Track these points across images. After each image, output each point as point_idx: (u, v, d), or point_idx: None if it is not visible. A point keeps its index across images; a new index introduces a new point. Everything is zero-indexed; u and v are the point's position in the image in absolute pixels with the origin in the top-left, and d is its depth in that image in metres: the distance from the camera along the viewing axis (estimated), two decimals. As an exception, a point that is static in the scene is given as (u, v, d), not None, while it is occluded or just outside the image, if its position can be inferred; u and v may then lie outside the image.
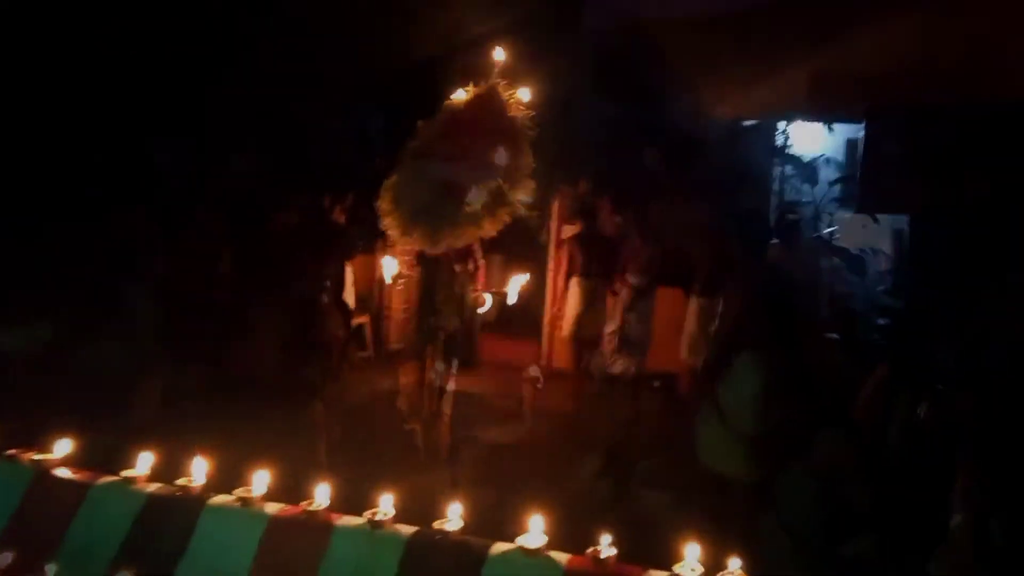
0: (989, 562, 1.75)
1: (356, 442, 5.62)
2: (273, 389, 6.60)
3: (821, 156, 11.98)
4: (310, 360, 7.34)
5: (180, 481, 2.48)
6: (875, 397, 3.62)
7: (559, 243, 8.55)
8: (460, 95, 6.44)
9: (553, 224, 8.65)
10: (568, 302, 7.67)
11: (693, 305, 6.16)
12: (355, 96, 10.01)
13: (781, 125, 12.34)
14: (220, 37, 8.84)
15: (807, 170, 11.52)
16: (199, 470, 2.52)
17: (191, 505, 2.42)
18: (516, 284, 7.22)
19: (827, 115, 11.47)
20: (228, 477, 2.62)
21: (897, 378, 3.16)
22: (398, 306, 9.00)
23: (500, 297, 7.07)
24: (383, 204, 6.04)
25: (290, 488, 2.56)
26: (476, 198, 5.85)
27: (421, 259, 6.93)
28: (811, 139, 12.42)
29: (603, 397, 6.83)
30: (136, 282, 6.55)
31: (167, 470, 2.63)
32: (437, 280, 6.79)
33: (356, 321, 8.20)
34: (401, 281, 7.93)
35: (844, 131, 12.73)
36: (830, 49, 6.84)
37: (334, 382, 7.47)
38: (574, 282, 7.70)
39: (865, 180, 8.61)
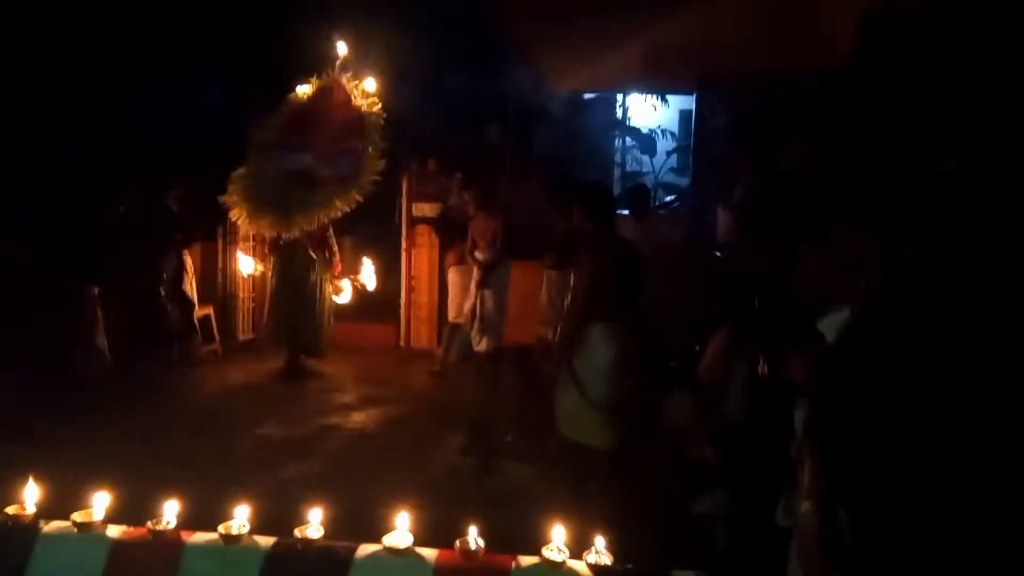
0: (836, 554, 1.87)
1: (203, 447, 5.32)
2: (108, 391, 6.18)
3: (658, 127, 12.55)
4: (148, 356, 6.95)
5: (9, 509, 2.24)
6: (718, 357, 3.79)
7: (410, 222, 8.46)
8: (304, 88, 6.79)
9: (403, 202, 8.53)
10: (450, 286, 7.59)
11: (546, 278, 6.28)
12: (191, 78, 9.55)
13: (619, 98, 12.79)
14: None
15: (646, 141, 12.03)
16: (30, 494, 2.28)
17: (22, 535, 2.19)
18: (369, 269, 7.23)
19: (661, 87, 12.00)
20: (64, 499, 2.41)
21: (739, 337, 3.33)
22: (245, 295, 8.65)
23: (358, 284, 7.09)
24: (232, 195, 6.26)
25: (134, 505, 2.38)
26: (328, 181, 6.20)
27: (275, 248, 7.12)
28: (647, 111, 12.97)
29: (463, 375, 6.86)
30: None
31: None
32: (293, 267, 7.01)
33: (199, 312, 7.78)
34: (258, 273, 7.84)
35: (677, 102, 13.40)
36: (662, 23, 7.08)
37: (177, 378, 7.11)
38: (448, 265, 7.64)
39: (698, 149, 9.07)
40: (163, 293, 7.22)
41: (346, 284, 7.34)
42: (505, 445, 5.54)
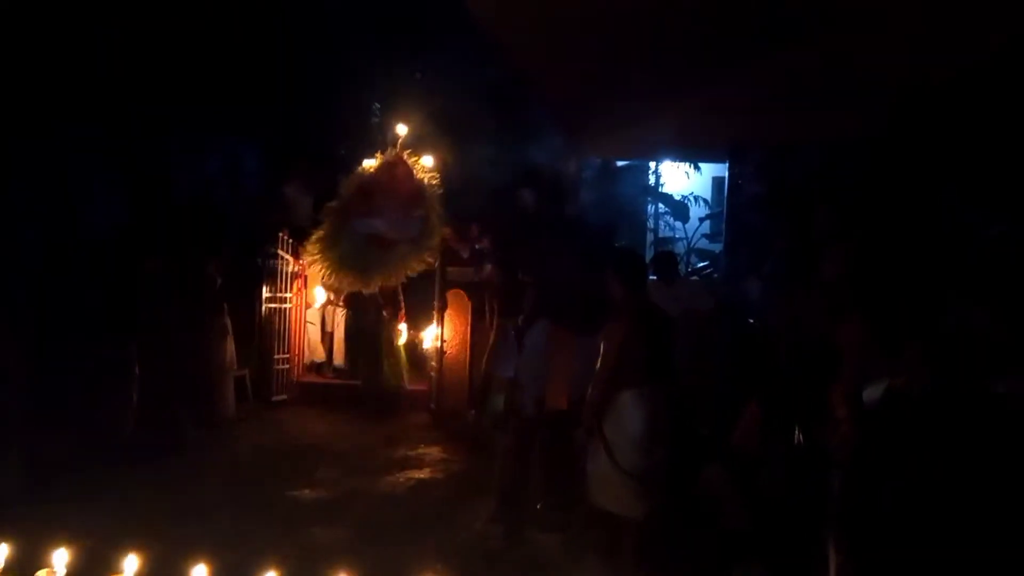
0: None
1: (232, 508, 5.34)
2: (141, 448, 6.25)
3: (691, 194, 12.66)
4: (184, 416, 7.06)
5: (39, 574, 2.25)
6: (753, 427, 3.76)
7: (444, 286, 8.55)
8: (370, 162, 7.64)
9: (439, 267, 8.65)
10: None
11: (578, 343, 6.27)
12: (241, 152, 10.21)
13: (652, 165, 12.96)
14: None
15: (678, 207, 12.12)
16: (59, 559, 2.30)
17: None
18: (431, 332, 8.29)
19: (694, 157, 12.15)
20: (98, 563, 2.43)
21: (773, 408, 3.31)
22: (280, 356, 8.78)
23: (417, 339, 8.73)
24: (311, 252, 7.19)
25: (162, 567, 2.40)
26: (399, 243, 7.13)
27: (351, 301, 8.49)
28: (680, 178, 13.11)
29: (495, 438, 6.82)
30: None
31: (27, 560, 2.39)
32: (367, 318, 8.37)
33: (237, 373, 7.95)
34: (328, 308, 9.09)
35: (711, 169, 13.52)
36: (694, 93, 7.19)
37: (212, 438, 7.18)
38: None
39: (731, 216, 9.10)
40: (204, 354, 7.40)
41: (403, 327, 8.78)
42: (535, 513, 5.46)
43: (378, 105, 12.32)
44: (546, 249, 8.03)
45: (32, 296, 6.47)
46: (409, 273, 7.28)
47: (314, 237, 7.25)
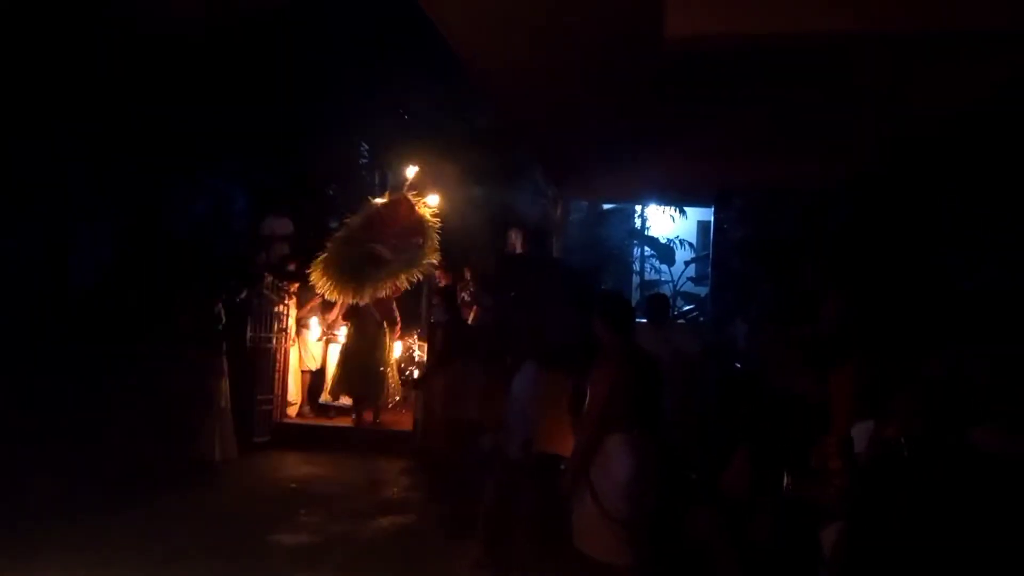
0: None
1: (213, 552, 5.24)
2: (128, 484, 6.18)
3: (676, 237, 12.78)
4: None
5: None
6: (741, 473, 3.74)
7: (431, 326, 8.51)
8: (380, 200, 8.79)
9: (424, 307, 8.68)
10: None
11: (566, 386, 6.25)
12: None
13: (638, 209, 13.09)
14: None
15: (664, 251, 12.22)
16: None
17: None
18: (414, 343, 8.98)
19: (679, 201, 12.28)
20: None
21: (761, 454, 3.29)
22: (263, 397, 8.70)
23: (412, 347, 9.39)
24: (315, 274, 8.14)
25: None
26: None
27: (351, 315, 8.80)
28: (666, 222, 13.23)
29: (481, 481, 6.74)
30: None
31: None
32: (366, 330, 8.72)
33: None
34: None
35: (696, 213, 13.67)
36: (679, 140, 7.29)
37: (194, 478, 7.08)
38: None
39: (717, 260, 9.16)
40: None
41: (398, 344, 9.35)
42: (520, 559, 5.37)
43: (366, 147, 12.44)
44: (533, 290, 8.08)
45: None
46: (400, 285, 8.22)
47: (316, 261, 8.15)
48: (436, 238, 8.35)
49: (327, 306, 9.10)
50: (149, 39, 8.29)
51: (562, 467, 4.58)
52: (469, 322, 8.36)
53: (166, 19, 7.93)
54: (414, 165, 8.73)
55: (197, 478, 6.92)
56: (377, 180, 12.68)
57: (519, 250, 9.85)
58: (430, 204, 8.63)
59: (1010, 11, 3.74)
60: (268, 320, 8.72)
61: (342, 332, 9.11)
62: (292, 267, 9.24)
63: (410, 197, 8.59)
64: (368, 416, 8.90)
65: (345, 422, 8.90)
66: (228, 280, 8.04)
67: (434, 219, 8.48)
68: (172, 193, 10.13)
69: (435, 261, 8.35)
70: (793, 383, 3.39)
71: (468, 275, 8.88)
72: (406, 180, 8.71)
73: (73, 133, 8.58)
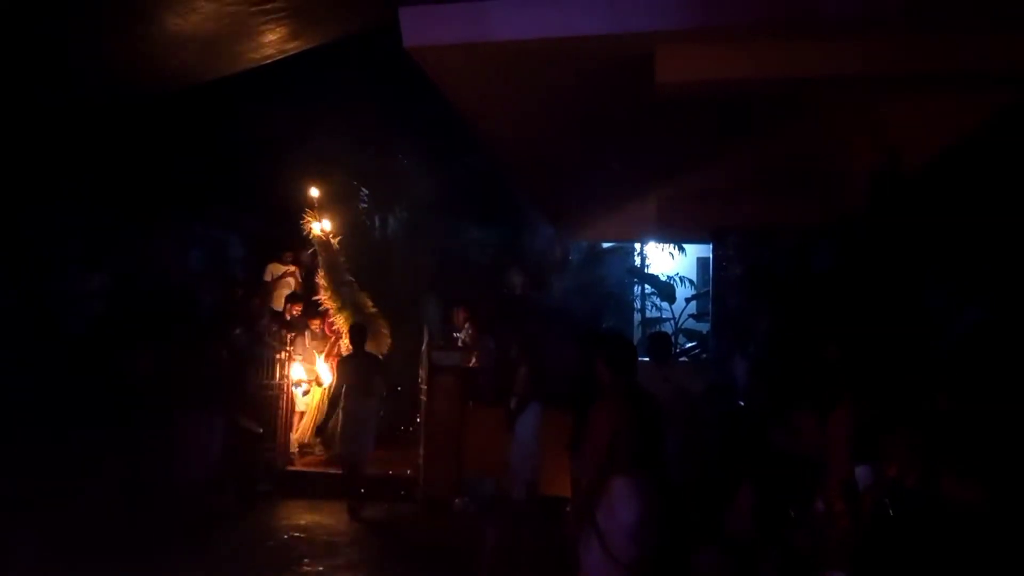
0: None
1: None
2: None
3: (676, 274, 12.84)
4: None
5: None
6: (746, 513, 3.74)
7: (431, 371, 8.51)
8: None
9: (425, 351, 8.66)
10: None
11: (568, 426, 6.26)
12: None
13: (637, 247, 13.19)
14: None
15: (664, 288, 12.26)
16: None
17: None
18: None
19: (677, 238, 12.38)
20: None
21: (762, 496, 3.30)
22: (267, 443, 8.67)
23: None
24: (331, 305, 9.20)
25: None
26: None
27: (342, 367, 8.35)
28: (665, 259, 13.32)
29: (485, 523, 6.72)
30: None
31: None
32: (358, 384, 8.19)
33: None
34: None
35: (695, 250, 13.76)
36: (675, 178, 7.40)
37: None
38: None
39: (717, 297, 9.20)
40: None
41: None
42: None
43: (366, 192, 12.58)
44: (535, 332, 8.12)
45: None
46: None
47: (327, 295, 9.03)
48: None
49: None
50: (143, 97, 8.50)
51: (567, 509, 4.55)
52: (470, 365, 8.40)
53: (155, 80, 8.13)
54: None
55: (201, 529, 6.88)
56: (377, 224, 12.82)
57: (519, 291, 9.96)
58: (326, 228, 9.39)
59: (990, 53, 3.85)
60: (270, 368, 8.74)
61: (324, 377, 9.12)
62: (295, 312, 9.34)
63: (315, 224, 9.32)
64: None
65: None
66: (228, 329, 8.08)
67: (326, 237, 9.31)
68: (168, 243, 10.26)
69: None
70: (793, 426, 3.40)
71: (462, 317, 8.93)
72: (313, 200, 9.43)
73: (72, 185, 8.75)
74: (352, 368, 7.88)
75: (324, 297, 9.30)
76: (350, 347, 8.20)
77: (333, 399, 8.13)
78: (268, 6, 7.09)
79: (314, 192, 9.49)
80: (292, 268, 10.26)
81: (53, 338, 7.87)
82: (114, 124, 8.77)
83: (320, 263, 9.46)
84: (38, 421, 6.47)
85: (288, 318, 9.33)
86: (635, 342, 12.69)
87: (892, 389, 2.40)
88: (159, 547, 6.20)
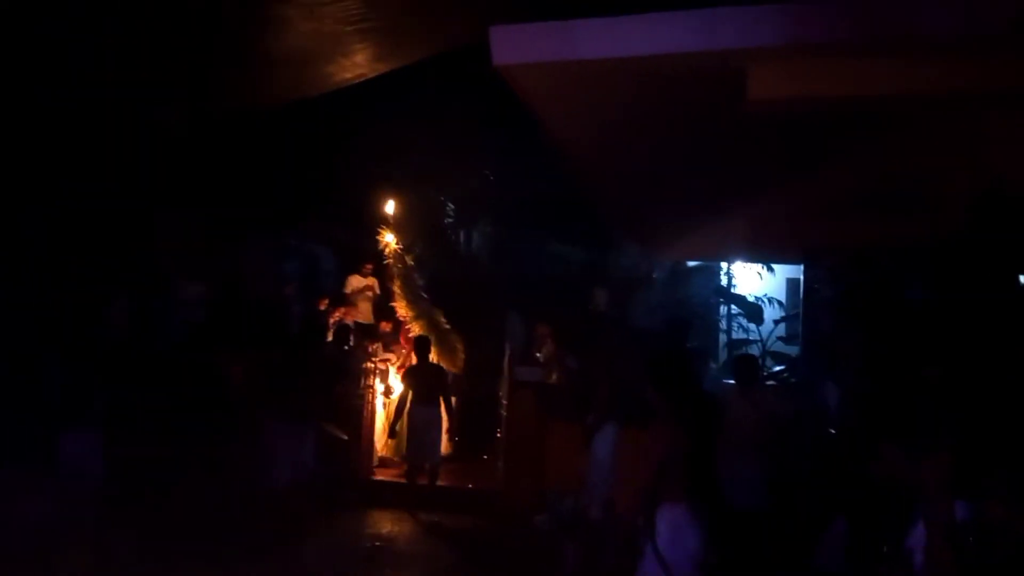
0: None
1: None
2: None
3: (764, 295, 12.48)
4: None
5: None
6: (835, 547, 3.60)
7: (512, 386, 8.54)
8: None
9: (507, 366, 8.70)
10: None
11: (651, 448, 6.17)
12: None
13: (724, 266, 12.90)
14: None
15: (751, 309, 11.92)
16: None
17: None
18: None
19: (766, 259, 12.06)
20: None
21: (855, 530, 3.16)
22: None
23: None
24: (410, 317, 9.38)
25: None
26: None
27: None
28: (753, 279, 12.99)
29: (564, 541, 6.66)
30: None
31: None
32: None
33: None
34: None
35: (784, 271, 13.36)
36: (768, 197, 7.21)
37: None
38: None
39: (807, 320, 8.92)
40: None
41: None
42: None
43: (452, 206, 12.78)
44: (617, 350, 8.04)
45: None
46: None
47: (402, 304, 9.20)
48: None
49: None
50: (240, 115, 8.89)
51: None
52: (551, 381, 8.38)
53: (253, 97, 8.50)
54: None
55: (287, 536, 7.05)
56: (462, 239, 13.01)
57: (602, 309, 9.89)
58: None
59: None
60: (355, 378, 8.93)
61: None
62: (385, 328, 9.57)
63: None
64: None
65: (423, 479, 8.83)
66: (315, 339, 8.30)
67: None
68: (262, 255, 10.67)
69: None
70: (890, 462, 3.22)
71: (544, 333, 8.91)
72: (389, 217, 9.57)
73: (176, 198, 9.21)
74: (417, 378, 8.13)
75: (400, 307, 9.43)
76: (416, 358, 8.39)
77: (399, 407, 8.24)
78: (364, 25, 7.32)
79: (390, 207, 9.65)
80: (371, 280, 10.46)
81: (154, 346, 8.25)
82: (213, 141, 9.20)
83: (395, 274, 9.52)
84: (135, 425, 6.76)
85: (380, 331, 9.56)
86: (720, 364, 12.40)
87: (993, 421, 2.26)
88: (245, 553, 6.38)
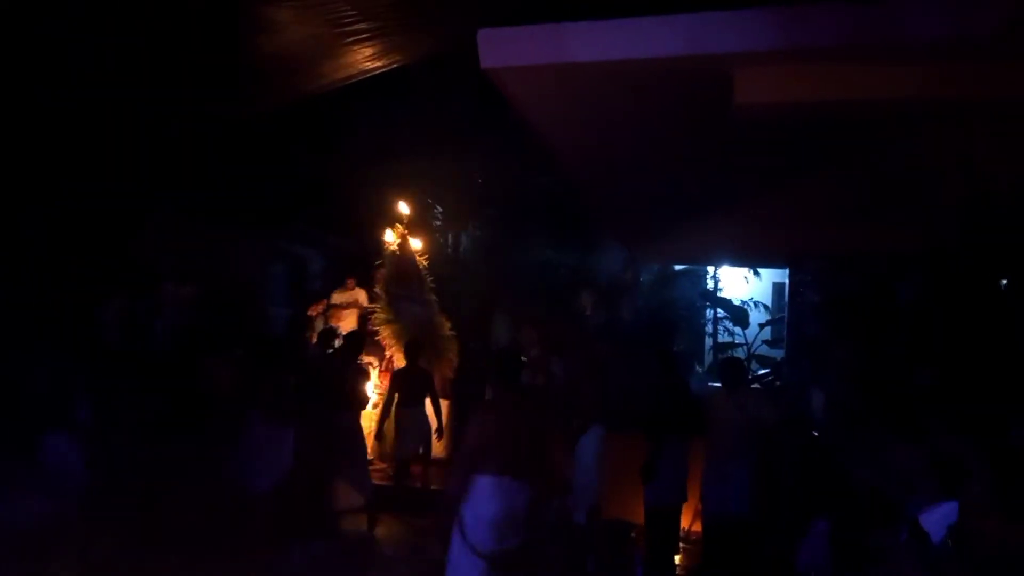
0: None
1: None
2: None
3: (750, 299, 12.56)
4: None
5: None
6: (819, 548, 3.62)
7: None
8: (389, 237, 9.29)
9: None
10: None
11: (635, 450, 6.18)
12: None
13: (710, 270, 12.97)
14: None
15: (737, 313, 11.99)
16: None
17: None
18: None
19: (752, 263, 12.13)
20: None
21: (840, 533, 3.18)
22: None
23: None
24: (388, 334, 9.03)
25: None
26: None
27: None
28: (739, 283, 13.06)
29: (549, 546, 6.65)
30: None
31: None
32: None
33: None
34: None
35: (770, 275, 13.45)
36: (754, 207, 7.25)
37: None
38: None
39: (792, 323, 8.97)
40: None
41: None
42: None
43: (439, 208, 12.76)
44: (602, 354, 8.06)
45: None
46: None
47: (386, 318, 8.88)
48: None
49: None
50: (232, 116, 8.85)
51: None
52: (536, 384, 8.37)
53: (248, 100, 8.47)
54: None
55: (267, 540, 7.01)
56: (451, 242, 12.98)
57: (588, 312, 9.90)
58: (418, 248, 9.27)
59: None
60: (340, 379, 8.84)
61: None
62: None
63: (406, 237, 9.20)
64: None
65: (409, 480, 8.77)
66: (301, 345, 8.26)
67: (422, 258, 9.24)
68: (252, 258, 10.62)
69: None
70: (866, 457, 3.27)
71: (530, 337, 8.90)
72: (403, 217, 9.29)
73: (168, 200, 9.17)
74: (404, 381, 8.07)
75: (378, 308, 9.20)
76: (404, 361, 8.28)
77: (385, 409, 8.19)
78: (351, 28, 7.32)
79: (404, 208, 9.45)
80: (356, 293, 10.34)
81: (142, 347, 8.19)
82: (204, 142, 9.15)
83: (385, 275, 9.34)
84: (119, 427, 6.70)
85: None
86: (706, 367, 12.45)
87: (979, 423, 2.29)
88: (226, 557, 6.32)
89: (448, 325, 9.29)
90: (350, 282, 10.40)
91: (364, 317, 9.84)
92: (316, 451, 7.18)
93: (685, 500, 5.95)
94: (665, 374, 6.25)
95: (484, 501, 4.13)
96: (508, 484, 4.16)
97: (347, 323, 10.02)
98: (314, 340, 8.80)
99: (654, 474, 5.80)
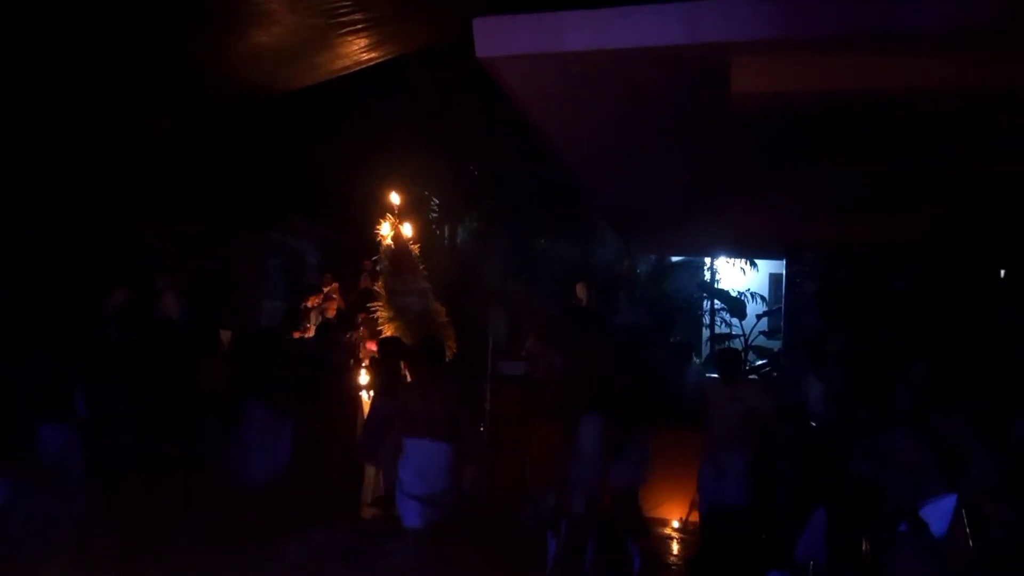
0: None
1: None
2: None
3: (747, 290, 12.56)
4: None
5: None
6: (816, 539, 3.62)
7: (495, 381, 8.53)
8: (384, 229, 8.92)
9: (490, 360, 8.67)
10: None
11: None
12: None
13: (708, 261, 12.97)
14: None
15: (734, 304, 11.99)
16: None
17: None
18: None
19: (750, 255, 12.12)
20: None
21: (837, 522, 3.18)
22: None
23: None
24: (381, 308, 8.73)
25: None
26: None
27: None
28: (736, 274, 13.07)
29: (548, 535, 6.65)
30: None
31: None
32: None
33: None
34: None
35: (767, 266, 13.45)
36: (751, 194, 7.24)
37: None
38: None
39: (789, 314, 8.96)
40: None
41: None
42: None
43: (437, 201, 12.73)
44: (599, 344, 8.05)
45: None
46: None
47: (388, 315, 8.61)
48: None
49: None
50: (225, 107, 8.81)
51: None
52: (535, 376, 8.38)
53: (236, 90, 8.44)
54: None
55: (262, 532, 7.00)
56: (447, 234, 12.95)
57: (585, 304, 9.90)
58: (406, 232, 9.02)
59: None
60: (338, 375, 8.83)
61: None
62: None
63: (400, 229, 8.99)
64: None
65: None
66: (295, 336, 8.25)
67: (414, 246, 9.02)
68: (246, 251, 10.57)
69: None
70: (863, 447, 3.27)
71: (528, 328, 8.90)
72: (394, 207, 9.09)
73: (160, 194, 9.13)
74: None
75: (378, 307, 8.93)
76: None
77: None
78: (346, 19, 7.27)
79: (395, 198, 9.21)
80: (326, 291, 10.26)
81: (138, 341, 8.15)
82: (196, 134, 9.11)
83: (382, 271, 9.10)
84: (117, 419, 6.67)
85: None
86: (704, 358, 12.45)
87: (978, 412, 2.28)
88: (221, 550, 6.31)
89: (443, 311, 9.08)
90: (328, 277, 10.34)
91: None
92: (314, 443, 7.18)
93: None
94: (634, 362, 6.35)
95: (412, 457, 5.39)
96: (428, 444, 5.36)
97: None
98: (311, 332, 8.79)
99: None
